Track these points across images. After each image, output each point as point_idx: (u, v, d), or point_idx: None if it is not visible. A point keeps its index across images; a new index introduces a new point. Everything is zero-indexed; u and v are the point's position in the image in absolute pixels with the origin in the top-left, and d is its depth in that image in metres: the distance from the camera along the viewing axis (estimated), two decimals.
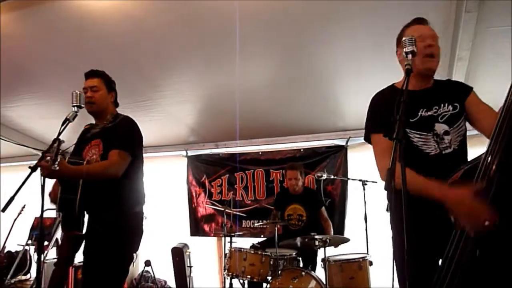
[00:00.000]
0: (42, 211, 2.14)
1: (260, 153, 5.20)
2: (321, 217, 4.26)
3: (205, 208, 5.32)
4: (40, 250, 2.34)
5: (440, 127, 1.77)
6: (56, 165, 1.99)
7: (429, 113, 1.80)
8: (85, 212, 2.49)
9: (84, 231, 2.51)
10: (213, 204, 5.15)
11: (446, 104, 1.80)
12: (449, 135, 1.76)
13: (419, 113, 1.80)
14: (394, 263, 1.69)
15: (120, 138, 2.34)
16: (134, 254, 2.48)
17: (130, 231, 2.39)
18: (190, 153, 5.48)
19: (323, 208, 4.33)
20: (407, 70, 1.56)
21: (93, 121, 2.62)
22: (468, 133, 1.84)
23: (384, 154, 1.77)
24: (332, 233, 4.13)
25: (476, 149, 1.76)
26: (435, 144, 1.76)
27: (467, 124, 1.84)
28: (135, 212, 2.42)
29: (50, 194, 2.96)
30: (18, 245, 5.71)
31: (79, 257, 4.89)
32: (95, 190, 2.31)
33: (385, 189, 1.39)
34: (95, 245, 2.36)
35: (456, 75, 3.23)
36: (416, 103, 1.79)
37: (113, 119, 2.48)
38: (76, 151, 2.57)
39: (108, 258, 2.27)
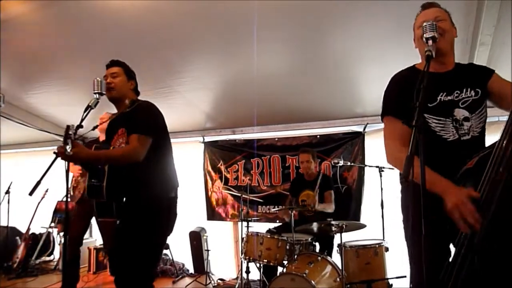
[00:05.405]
0: (67, 195, 2.22)
1: (277, 139, 5.21)
2: (325, 199, 4.21)
3: (221, 193, 5.40)
4: (66, 232, 2.41)
5: (460, 113, 1.73)
6: (69, 150, 2.03)
7: (449, 97, 1.75)
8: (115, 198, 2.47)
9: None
10: (229, 190, 5.20)
11: (468, 89, 1.76)
12: (469, 121, 1.72)
13: (438, 98, 1.75)
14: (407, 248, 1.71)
15: (138, 122, 2.34)
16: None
17: (159, 217, 2.35)
18: (207, 139, 5.54)
19: (330, 191, 4.24)
20: (427, 56, 1.55)
21: (114, 110, 2.66)
22: (487, 120, 1.79)
23: (392, 138, 1.77)
24: (328, 210, 4.09)
25: (493, 136, 1.68)
26: (453, 130, 1.71)
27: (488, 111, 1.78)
28: (168, 197, 2.43)
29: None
30: (41, 227, 5.94)
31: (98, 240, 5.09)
32: (122, 176, 2.33)
33: (403, 177, 1.38)
34: (126, 231, 2.36)
35: (478, 60, 3.16)
36: (436, 86, 1.75)
37: (131, 104, 2.48)
38: (106, 140, 2.62)
39: (139, 245, 2.27)
